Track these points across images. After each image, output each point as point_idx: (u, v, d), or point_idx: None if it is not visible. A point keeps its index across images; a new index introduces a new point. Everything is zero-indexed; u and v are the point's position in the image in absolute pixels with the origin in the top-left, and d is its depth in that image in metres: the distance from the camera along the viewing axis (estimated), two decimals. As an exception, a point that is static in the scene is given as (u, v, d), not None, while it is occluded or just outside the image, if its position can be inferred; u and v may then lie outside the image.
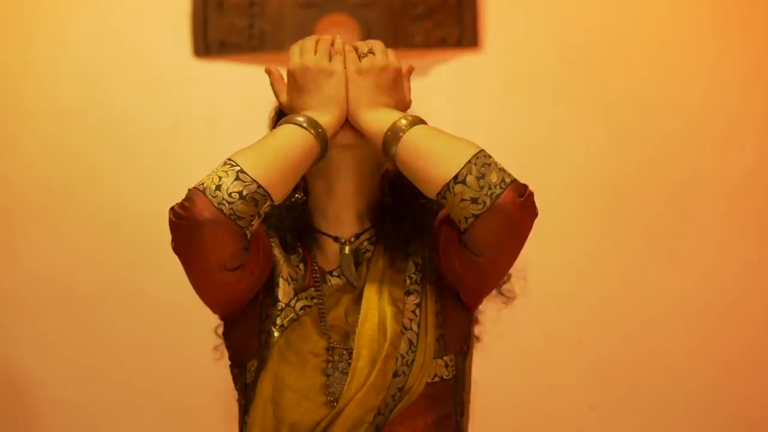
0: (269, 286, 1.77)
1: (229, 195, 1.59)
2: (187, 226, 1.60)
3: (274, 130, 1.72)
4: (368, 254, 1.80)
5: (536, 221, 1.66)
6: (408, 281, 1.78)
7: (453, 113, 3.04)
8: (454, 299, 1.79)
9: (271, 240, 1.80)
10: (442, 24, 3.06)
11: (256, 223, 1.63)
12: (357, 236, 1.82)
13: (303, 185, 1.81)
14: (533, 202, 1.66)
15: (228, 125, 3.05)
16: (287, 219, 1.81)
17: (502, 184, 1.63)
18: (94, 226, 3.07)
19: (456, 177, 1.62)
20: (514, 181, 1.64)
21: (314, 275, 1.79)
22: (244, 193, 1.60)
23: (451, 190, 1.62)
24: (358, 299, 1.78)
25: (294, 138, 1.68)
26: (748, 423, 3.17)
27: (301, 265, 1.81)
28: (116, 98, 3.06)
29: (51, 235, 3.06)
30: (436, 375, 1.73)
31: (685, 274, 3.14)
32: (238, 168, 1.62)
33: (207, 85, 3.07)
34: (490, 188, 1.62)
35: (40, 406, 3.08)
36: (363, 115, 1.72)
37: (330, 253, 1.82)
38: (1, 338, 3.08)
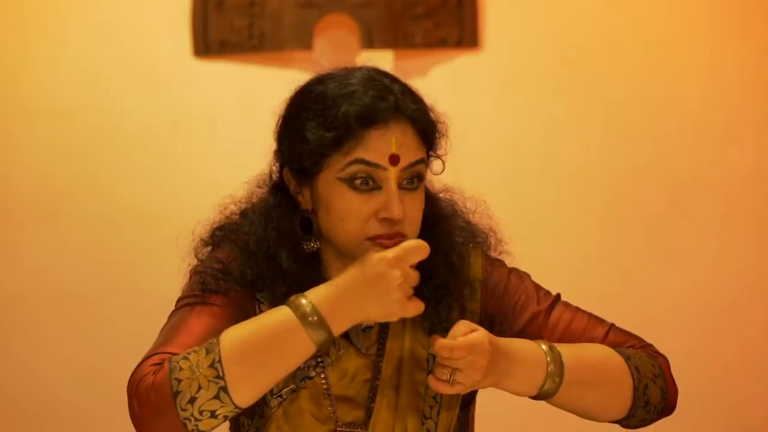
0: None
1: (200, 413, 1.41)
2: (139, 424, 1.44)
3: (286, 330, 1.43)
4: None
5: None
6: (431, 361, 1.60)
7: (453, 113, 3.03)
8: None
9: (260, 297, 1.59)
10: (442, 24, 3.06)
11: None
12: None
13: (319, 232, 1.58)
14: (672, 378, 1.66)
15: (228, 125, 3.05)
16: (299, 283, 1.54)
17: (663, 397, 1.62)
18: (94, 226, 3.07)
19: (625, 419, 1.61)
20: (668, 387, 1.63)
21: None
22: (218, 413, 1.41)
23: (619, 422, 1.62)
24: (371, 366, 1.60)
25: (303, 352, 1.44)
26: (747, 423, 3.16)
27: None
28: (116, 98, 3.05)
29: (51, 235, 3.06)
30: None
31: (684, 274, 3.14)
32: (222, 384, 1.40)
33: (207, 85, 3.07)
34: (656, 408, 1.61)
35: (40, 406, 3.08)
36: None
37: None
38: (1, 338, 3.08)
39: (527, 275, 1.70)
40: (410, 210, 1.53)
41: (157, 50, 3.06)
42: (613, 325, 1.69)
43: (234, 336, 1.43)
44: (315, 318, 1.42)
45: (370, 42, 2.99)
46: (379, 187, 1.52)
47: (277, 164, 1.63)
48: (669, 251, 3.15)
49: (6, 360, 3.08)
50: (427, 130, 1.60)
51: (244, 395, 1.42)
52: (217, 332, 1.47)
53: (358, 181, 1.52)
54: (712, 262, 3.15)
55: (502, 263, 1.70)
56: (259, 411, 1.58)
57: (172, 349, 1.47)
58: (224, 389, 1.40)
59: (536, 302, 1.66)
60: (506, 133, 3.09)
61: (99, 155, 3.06)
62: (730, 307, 3.15)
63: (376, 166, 1.51)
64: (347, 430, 1.59)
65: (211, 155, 3.05)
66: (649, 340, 1.74)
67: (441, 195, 1.69)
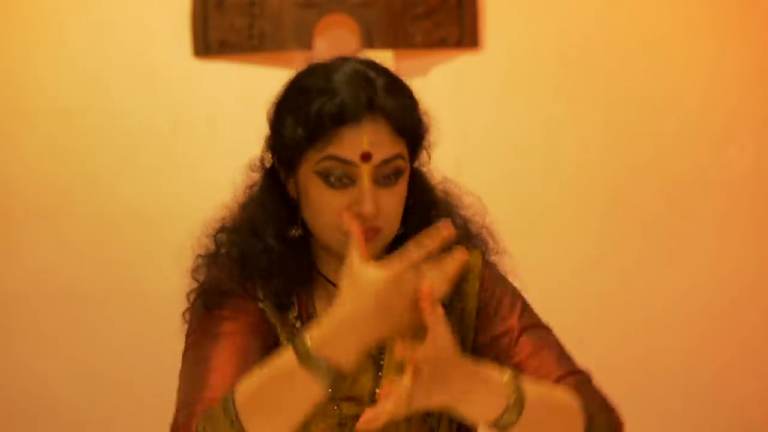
0: (269, 349, 1.55)
1: None
2: None
3: (292, 380, 1.39)
4: None
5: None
6: None
7: (453, 113, 3.04)
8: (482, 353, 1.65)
9: (261, 305, 1.61)
10: (442, 24, 3.06)
11: None
12: None
13: (301, 221, 1.61)
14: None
15: (228, 125, 3.06)
16: (282, 263, 1.58)
17: None
18: (94, 226, 3.07)
19: None
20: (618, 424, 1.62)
21: None
22: None
23: None
24: (373, 359, 1.61)
25: (314, 396, 1.39)
26: (746, 423, 3.17)
27: (298, 323, 1.62)
28: (116, 98, 3.06)
29: (51, 235, 3.06)
30: None
31: (684, 274, 3.14)
32: None
33: (207, 85, 3.07)
34: None
35: (40, 406, 3.08)
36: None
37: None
38: (1, 338, 3.08)
39: (519, 292, 1.70)
40: (386, 206, 1.54)
41: (157, 50, 3.06)
42: (574, 372, 1.68)
43: (246, 391, 1.42)
44: (321, 363, 1.36)
45: (370, 42, 2.99)
46: (354, 182, 1.53)
47: (269, 151, 1.67)
48: (669, 251, 3.15)
49: (6, 360, 3.08)
50: (406, 126, 1.56)
51: None
52: (241, 365, 1.50)
53: (332, 177, 1.53)
54: (712, 262, 3.15)
55: (498, 271, 1.71)
56: None
57: (208, 393, 1.51)
58: None
59: (516, 318, 1.65)
60: (506, 133, 3.09)
61: (99, 155, 3.07)
62: (730, 307, 3.16)
63: (349, 162, 1.52)
64: (352, 418, 1.58)
65: (211, 155, 3.05)
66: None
67: (438, 186, 1.70)
